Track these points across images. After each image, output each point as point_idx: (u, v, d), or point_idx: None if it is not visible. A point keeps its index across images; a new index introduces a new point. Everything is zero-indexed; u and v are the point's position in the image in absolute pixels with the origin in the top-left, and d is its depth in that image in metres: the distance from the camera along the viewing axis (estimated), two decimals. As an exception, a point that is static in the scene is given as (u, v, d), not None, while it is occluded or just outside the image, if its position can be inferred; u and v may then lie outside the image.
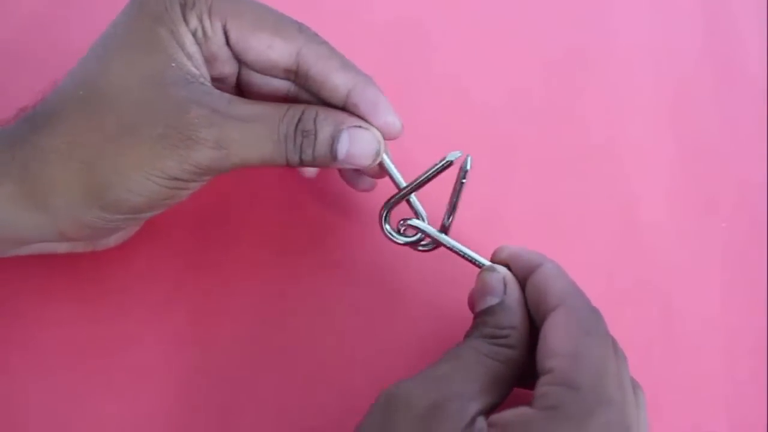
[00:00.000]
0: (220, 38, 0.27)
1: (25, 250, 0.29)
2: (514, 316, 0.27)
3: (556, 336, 0.25)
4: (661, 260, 0.36)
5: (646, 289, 0.35)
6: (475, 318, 0.28)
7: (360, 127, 0.27)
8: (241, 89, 0.30)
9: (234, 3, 0.27)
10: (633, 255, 0.36)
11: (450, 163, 0.28)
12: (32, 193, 0.25)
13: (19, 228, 0.26)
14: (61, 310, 0.32)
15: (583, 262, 0.35)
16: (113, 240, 0.31)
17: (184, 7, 0.26)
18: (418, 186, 0.29)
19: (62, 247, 0.29)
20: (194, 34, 0.27)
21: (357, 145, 0.27)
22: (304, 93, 0.29)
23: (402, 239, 0.31)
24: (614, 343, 0.26)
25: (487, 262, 0.29)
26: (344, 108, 0.28)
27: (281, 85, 0.29)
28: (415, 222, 0.30)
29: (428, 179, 0.29)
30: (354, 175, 0.32)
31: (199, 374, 0.31)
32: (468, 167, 0.28)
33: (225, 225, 0.34)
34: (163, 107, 0.25)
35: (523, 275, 0.28)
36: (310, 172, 0.34)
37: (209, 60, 0.28)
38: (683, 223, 0.36)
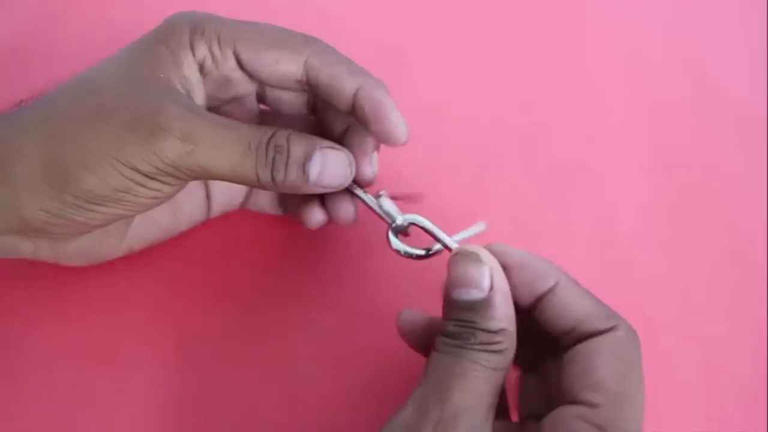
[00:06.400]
0: (231, 63, 0.28)
1: None
2: (503, 318, 0.25)
3: (602, 365, 0.24)
4: (639, 273, 0.36)
5: (624, 303, 0.34)
6: (448, 306, 0.25)
7: (333, 148, 0.27)
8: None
9: (242, 26, 0.28)
10: (611, 268, 0.36)
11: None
12: (0, 162, 0.26)
13: None
14: (45, 328, 0.32)
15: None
16: (75, 253, 0.29)
17: (193, 34, 0.28)
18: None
19: (25, 248, 0.28)
20: (203, 62, 0.28)
21: (329, 165, 0.27)
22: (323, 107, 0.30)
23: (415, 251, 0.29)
24: None
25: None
26: (351, 111, 0.28)
27: (298, 100, 0.30)
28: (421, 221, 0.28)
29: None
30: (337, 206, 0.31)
31: (183, 387, 0.31)
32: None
33: (206, 242, 0.34)
34: (142, 99, 0.26)
35: (531, 291, 0.26)
36: (312, 221, 0.31)
37: (223, 83, 0.29)
38: (662, 235, 0.37)
